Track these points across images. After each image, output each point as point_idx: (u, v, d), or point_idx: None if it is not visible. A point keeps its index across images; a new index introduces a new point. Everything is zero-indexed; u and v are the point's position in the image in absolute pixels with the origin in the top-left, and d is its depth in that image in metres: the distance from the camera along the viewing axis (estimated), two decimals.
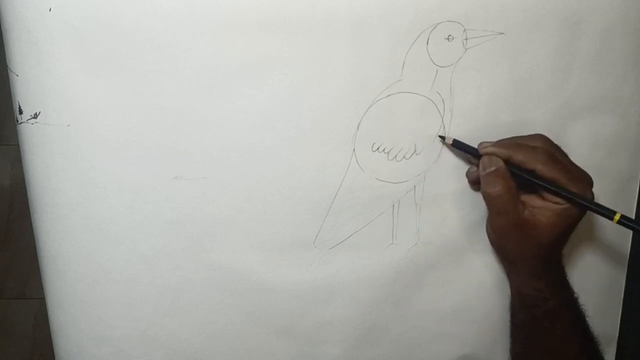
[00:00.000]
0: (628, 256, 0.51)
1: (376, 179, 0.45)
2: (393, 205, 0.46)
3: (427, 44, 0.42)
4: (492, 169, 0.41)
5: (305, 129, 0.43)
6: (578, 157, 0.47)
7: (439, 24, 0.41)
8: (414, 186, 0.45)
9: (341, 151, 0.44)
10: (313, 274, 0.46)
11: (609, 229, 0.50)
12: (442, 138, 0.44)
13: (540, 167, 0.40)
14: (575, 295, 0.46)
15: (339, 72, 0.42)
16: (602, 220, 0.49)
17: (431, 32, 0.42)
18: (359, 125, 0.43)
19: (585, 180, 0.42)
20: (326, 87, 0.42)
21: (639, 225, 0.39)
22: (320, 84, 0.42)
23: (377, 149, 0.44)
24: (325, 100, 0.42)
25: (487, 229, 0.46)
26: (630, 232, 0.51)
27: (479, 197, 0.46)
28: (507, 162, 0.42)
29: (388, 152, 0.44)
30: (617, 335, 0.53)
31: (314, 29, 0.40)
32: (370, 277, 0.46)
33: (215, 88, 0.41)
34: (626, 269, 0.52)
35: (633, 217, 0.50)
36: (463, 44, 0.42)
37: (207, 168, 0.43)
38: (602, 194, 0.49)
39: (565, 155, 0.43)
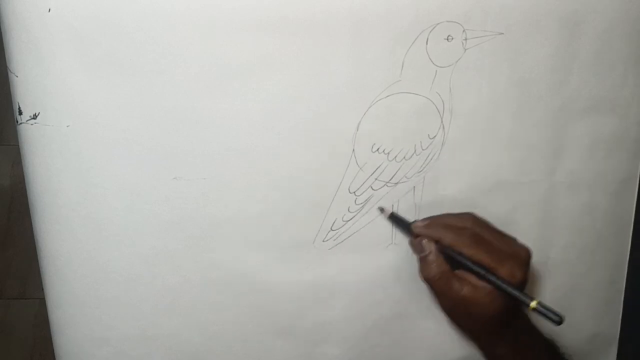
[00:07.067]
0: (628, 256, 0.51)
1: (376, 179, 0.45)
2: (392, 206, 0.46)
3: (427, 44, 0.42)
4: (425, 253, 0.42)
5: (305, 129, 0.43)
6: (578, 157, 0.47)
7: (438, 24, 0.41)
8: (414, 187, 0.45)
9: (341, 151, 0.44)
10: (313, 274, 0.46)
11: (609, 229, 0.50)
12: (381, 210, 0.45)
13: (466, 250, 0.41)
14: (549, 351, 0.45)
15: (338, 72, 0.42)
16: (602, 220, 0.50)
17: (430, 32, 0.42)
18: (358, 125, 0.43)
19: (514, 259, 0.41)
20: (326, 87, 0.42)
21: (554, 314, 0.38)
22: (320, 84, 0.42)
23: (377, 149, 0.44)
24: (325, 100, 0.42)
25: None
26: (630, 232, 0.51)
27: (477, 198, 0.47)
28: (438, 243, 0.42)
29: (388, 153, 0.44)
30: (617, 335, 0.53)
31: (314, 29, 0.40)
32: (370, 277, 0.46)
33: (215, 88, 0.41)
34: (626, 268, 0.52)
35: (632, 216, 0.50)
36: (462, 44, 0.42)
37: (207, 168, 0.43)
38: (602, 194, 0.49)
39: (495, 232, 0.42)
